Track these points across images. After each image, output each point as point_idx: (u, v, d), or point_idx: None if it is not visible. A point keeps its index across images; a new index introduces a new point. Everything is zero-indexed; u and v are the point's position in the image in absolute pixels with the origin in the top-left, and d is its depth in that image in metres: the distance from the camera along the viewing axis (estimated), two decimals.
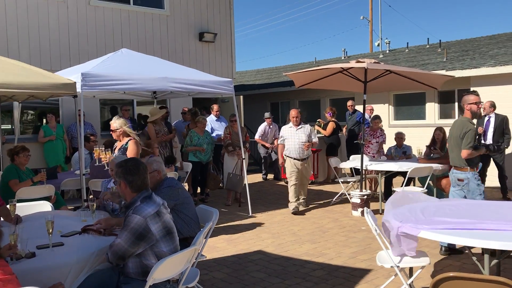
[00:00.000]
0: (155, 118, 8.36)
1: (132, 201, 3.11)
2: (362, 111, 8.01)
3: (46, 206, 4.78)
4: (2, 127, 8.95)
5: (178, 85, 7.07)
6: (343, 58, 18.66)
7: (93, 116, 10.68)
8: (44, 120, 10.09)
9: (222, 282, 4.71)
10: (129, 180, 3.12)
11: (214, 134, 9.52)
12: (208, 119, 9.53)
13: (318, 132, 10.59)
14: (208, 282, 4.66)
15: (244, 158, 8.30)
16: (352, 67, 7.45)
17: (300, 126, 7.84)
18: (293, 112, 7.92)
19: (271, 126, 10.97)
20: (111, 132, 6.22)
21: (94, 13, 10.82)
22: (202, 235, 3.56)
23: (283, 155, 7.98)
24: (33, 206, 4.74)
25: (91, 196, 6.64)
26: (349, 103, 11.23)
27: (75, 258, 3.02)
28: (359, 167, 7.77)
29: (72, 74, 6.28)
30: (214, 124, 9.87)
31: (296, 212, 7.80)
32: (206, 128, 8.90)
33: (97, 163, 6.34)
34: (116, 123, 6.08)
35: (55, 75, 5.61)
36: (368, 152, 8.82)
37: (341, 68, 7.74)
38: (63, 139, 9.71)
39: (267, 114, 11.08)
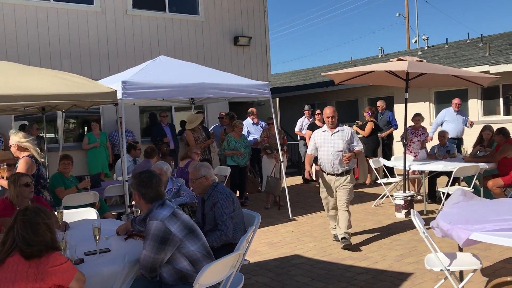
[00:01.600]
0: (193, 126, 8.43)
1: (149, 211, 3.15)
2: (404, 109, 7.66)
3: (92, 213, 4.88)
4: (46, 136, 9.22)
5: (216, 90, 7.10)
6: (380, 56, 18.33)
7: (133, 123, 10.90)
8: (86, 128, 10.37)
9: (265, 287, 4.67)
10: (142, 192, 3.17)
11: (250, 138, 9.53)
12: (244, 122, 9.55)
13: (357, 133, 10.39)
14: (251, 287, 4.63)
15: (282, 161, 8.25)
16: (394, 70, 7.26)
17: (337, 130, 5.84)
18: (327, 111, 5.87)
19: (310, 119, 10.85)
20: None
21: (131, 22, 11.06)
22: (246, 240, 3.54)
23: (319, 168, 6.05)
24: (79, 213, 4.85)
25: (133, 202, 6.78)
26: (379, 103, 10.96)
27: (122, 264, 3.05)
28: (400, 167, 7.57)
29: (112, 83, 6.41)
30: (250, 128, 9.88)
31: (348, 247, 5.73)
32: (243, 132, 8.91)
33: None
34: (12, 139, 5.32)
35: (97, 84, 5.73)
36: (410, 151, 8.58)
37: (385, 71, 7.51)
38: (106, 146, 9.95)
39: (306, 107, 11.00)
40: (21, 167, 5.06)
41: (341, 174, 5.77)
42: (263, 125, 9.85)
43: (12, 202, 4.25)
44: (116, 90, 5.90)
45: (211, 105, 11.63)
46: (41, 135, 9.12)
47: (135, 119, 11.12)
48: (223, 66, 11.67)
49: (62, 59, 10.09)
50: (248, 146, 8.77)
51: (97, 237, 3.27)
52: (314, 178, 6.38)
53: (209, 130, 10.02)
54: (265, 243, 6.27)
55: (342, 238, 5.76)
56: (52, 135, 10.62)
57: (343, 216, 5.74)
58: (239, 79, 7.92)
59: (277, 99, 13.69)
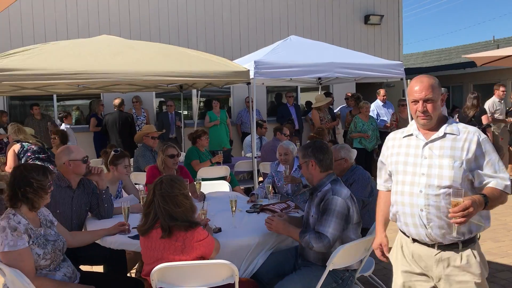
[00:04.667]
0: (320, 104, 8.37)
1: (320, 183, 3.10)
2: None
3: (225, 186, 5.14)
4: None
5: (345, 70, 6.95)
6: None
7: (260, 103, 11.18)
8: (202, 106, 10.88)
9: None
10: (320, 158, 3.11)
11: (379, 121, 9.19)
12: (373, 104, 9.22)
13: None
14: (379, 272, 4.50)
15: None
16: None
17: (441, 133, 2.43)
18: (415, 86, 2.43)
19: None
20: None
21: (262, 3, 11.26)
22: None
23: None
24: (213, 185, 5.13)
25: (260, 178, 7.00)
26: None
27: (257, 236, 3.15)
28: None
29: (244, 63, 6.61)
30: (380, 110, 9.52)
31: None
32: (371, 114, 8.63)
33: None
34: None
35: (232, 63, 5.95)
36: None
37: None
38: (226, 123, 10.33)
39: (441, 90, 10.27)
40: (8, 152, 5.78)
41: (452, 247, 2.43)
42: (391, 107, 9.43)
43: (159, 170, 4.63)
44: (248, 70, 6.09)
45: (338, 86, 11.43)
46: (179, 111, 9.79)
47: (262, 98, 11.40)
48: (352, 45, 11.37)
49: (198, 41, 10.67)
50: (376, 128, 8.47)
51: (233, 208, 3.42)
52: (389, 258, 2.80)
53: (335, 111, 9.88)
54: (395, 229, 6.03)
55: None
56: (185, 113, 11.37)
57: None
58: (370, 58, 7.64)
59: (408, 80, 12.97)
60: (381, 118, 9.33)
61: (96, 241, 3.30)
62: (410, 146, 2.51)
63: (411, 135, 2.53)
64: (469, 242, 2.42)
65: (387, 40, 12.51)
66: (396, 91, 13.83)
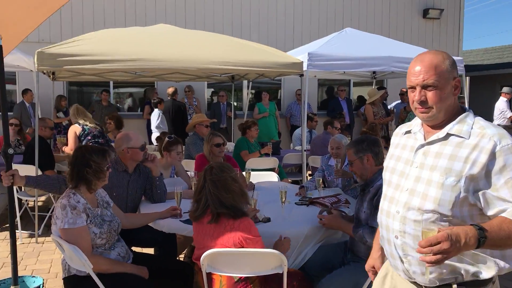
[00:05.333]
0: (374, 99, 8.19)
1: (373, 178, 3.04)
2: None
3: (273, 177, 5.13)
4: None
5: (402, 64, 6.75)
6: None
7: (311, 96, 11.08)
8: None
9: None
10: (376, 152, 3.07)
11: None
12: None
13: None
14: None
15: None
16: None
17: (443, 134, 1.77)
18: (416, 66, 1.77)
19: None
20: None
21: None
22: None
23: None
24: (262, 176, 5.14)
25: (309, 172, 6.95)
26: None
27: (306, 229, 3.13)
28: None
29: (298, 55, 6.55)
30: None
31: None
32: None
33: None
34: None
35: (285, 54, 5.92)
36: None
37: None
38: (275, 115, 10.29)
39: (506, 89, 9.77)
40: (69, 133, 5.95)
41: None
42: None
43: (207, 159, 4.71)
44: (302, 62, 6.03)
45: (392, 81, 11.14)
46: (230, 102, 9.88)
47: (313, 91, 11.30)
48: (409, 40, 11.03)
49: (251, 31, 10.69)
50: None
51: (283, 199, 3.41)
52: None
53: (389, 107, 9.64)
54: None
55: None
56: (235, 104, 11.45)
57: None
58: None
59: (467, 77, 12.45)
60: None
61: (149, 224, 3.40)
62: (406, 148, 1.90)
63: (410, 132, 1.92)
64: (474, 285, 1.71)
65: (446, 35, 12.05)
66: None
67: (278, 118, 10.43)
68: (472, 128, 1.72)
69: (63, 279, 2.90)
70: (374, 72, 9.38)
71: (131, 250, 3.17)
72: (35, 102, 6.99)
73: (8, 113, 4.08)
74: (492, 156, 1.63)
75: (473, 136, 1.70)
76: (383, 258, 2.11)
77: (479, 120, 1.76)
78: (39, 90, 5.31)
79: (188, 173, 4.82)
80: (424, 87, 1.74)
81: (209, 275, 2.65)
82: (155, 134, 7.16)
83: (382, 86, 9.63)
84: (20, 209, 5.63)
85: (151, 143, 8.54)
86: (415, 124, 1.91)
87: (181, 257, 4.29)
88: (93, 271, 2.65)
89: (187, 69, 5.47)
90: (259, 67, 5.42)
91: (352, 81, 11.58)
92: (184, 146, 6.22)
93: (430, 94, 1.74)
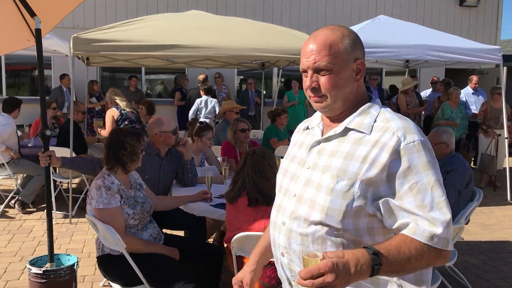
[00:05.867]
0: (407, 87, 8.04)
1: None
2: None
3: None
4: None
5: (436, 53, 6.59)
6: None
7: None
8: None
9: (476, 268, 4.29)
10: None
11: (468, 110, 8.65)
12: (462, 91, 8.69)
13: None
14: (460, 265, 4.29)
15: (507, 138, 7.28)
16: None
17: (340, 129, 1.45)
18: (310, 44, 1.46)
19: None
20: None
21: None
22: (465, 215, 3.26)
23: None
24: None
25: None
26: None
27: None
28: None
29: None
30: (469, 98, 8.94)
31: None
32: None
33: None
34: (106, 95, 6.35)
35: None
36: None
37: None
38: (304, 104, 10.21)
39: None
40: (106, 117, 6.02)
41: None
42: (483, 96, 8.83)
43: (232, 145, 4.76)
44: None
45: (426, 70, 10.92)
46: (258, 89, 9.87)
47: None
48: (444, 28, 10.73)
49: (282, 17, 10.62)
50: (465, 117, 8.00)
51: None
52: None
53: (422, 97, 9.44)
54: (477, 223, 5.72)
55: None
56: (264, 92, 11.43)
57: None
58: (465, 41, 7.18)
59: (504, 68, 12.05)
60: (471, 106, 8.78)
61: (180, 207, 3.45)
62: (302, 146, 1.55)
63: (307, 127, 1.59)
64: None
65: (484, 24, 11.68)
66: (489, 78, 12.91)
67: (308, 107, 10.36)
68: (375, 121, 1.39)
69: (96, 257, 2.98)
70: (407, 61, 9.19)
71: (163, 232, 3.23)
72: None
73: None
74: (396, 155, 1.31)
75: (375, 131, 1.37)
76: (257, 274, 1.76)
77: (385, 111, 1.43)
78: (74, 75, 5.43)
79: (218, 159, 4.87)
80: (316, 70, 1.40)
81: (240, 258, 2.68)
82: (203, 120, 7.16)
83: (414, 76, 9.41)
84: (54, 190, 5.81)
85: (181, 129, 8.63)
86: (315, 117, 1.57)
87: (210, 241, 4.35)
88: (126, 251, 2.71)
89: (219, 55, 5.48)
90: (291, 54, 5.38)
91: (384, 70, 11.39)
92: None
93: (323, 80, 1.40)
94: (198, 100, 8.46)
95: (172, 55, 5.56)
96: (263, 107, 9.31)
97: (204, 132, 4.46)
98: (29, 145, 6.19)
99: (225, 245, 3.00)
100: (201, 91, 8.66)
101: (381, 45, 6.42)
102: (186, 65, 7.85)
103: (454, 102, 7.87)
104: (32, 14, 2.88)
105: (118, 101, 5.94)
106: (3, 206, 5.80)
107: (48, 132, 3.06)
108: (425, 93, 9.78)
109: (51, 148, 3.18)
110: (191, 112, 8.40)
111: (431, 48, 6.54)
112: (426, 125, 8.84)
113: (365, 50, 4.99)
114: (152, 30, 5.07)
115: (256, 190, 2.71)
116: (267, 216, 2.61)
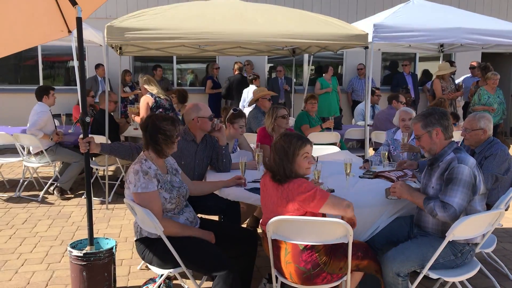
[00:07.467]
0: (444, 72, 7.84)
1: (442, 152, 2.93)
2: None
3: (335, 150, 5.09)
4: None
5: (473, 36, 6.38)
6: None
7: (374, 70, 10.75)
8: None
9: None
10: (445, 125, 2.93)
11: None
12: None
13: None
14: (499, 253, 4.20)
15: None
16: None
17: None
18: None
19: None
20: None
21: None
22: (505, 201, 3.17)
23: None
24: (324, 149, 5.11)
25: (371, 148, 6.82)
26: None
27: (370, 201, 3.10)
28: None
29: (362, 27, 6.35)
30: None
31: None
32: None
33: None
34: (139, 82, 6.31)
35: (349, 26, 5.77)
36: None
37: None
38: (337, 91, 10.08)
39: None
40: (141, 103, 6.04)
41: None
42: None
43: (269, 132, 4.75)
44: (367, 33, 5.85)
45: (461, 55, 10.61)
46: (288, 76, 9.81)
47: (377, 66, 10.98)
48: (481, 10, 10.40)
49: (313, 3, 10.50)
50: (503, 102, 7.75)
51: (348, 171, 3.38)
52: None
53: (456, 82, 9.19)
54: None
55: None
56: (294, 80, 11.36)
57: None
58: (503, 23, 6.91)
59: None
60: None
61: (214, 192, 3.49)
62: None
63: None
64: None
65: None
66: None
67: (340, 93, 10.24)
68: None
69: (135, 240, 3.06)
70: (441, 46, 8.96)
71: (198, 217, 3.27)
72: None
73: None
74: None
75: None
76: None
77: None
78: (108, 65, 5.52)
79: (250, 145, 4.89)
80: None
81: (275, 242, 2.69)
82: (247, 110, 7.14)
83: (453, 62, 9.11)
84: (91, 177, 5.96)
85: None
86: None
87: (244, 226, 4.39)
88: (163, 234, 2.77)
89: (251, 42, 5.47)
90: (323, 40, 5.33)
91: (418, 55, 11.13)
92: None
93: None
94: (245, 91, 8.50)
95: (203, 42, 5.60)
96: (294, 94, 9.26)
97: (237, 119, 4.47)
98: (70, 131, 6.32)
99: (260, 230, 3.02)
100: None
101: (414, 29, 6.26)
102: (217, 52, 7.87)
103: (491, 87, 7.64)
104: (74, 3, 2.95)
105: (151, 87, 6.02)
106: (42, 192, 6.00)
107: (87, 119, 3.13)
108: (461, 78, 9.52)
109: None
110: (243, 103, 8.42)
111: (468, 31, 6.34)
112: (466, 112, 8.63)
113: (400, 34, 4.92)
114: (183, 17, 5.10)
115: (284, 173, 2.67)
116: (291, 193, 2.57)
